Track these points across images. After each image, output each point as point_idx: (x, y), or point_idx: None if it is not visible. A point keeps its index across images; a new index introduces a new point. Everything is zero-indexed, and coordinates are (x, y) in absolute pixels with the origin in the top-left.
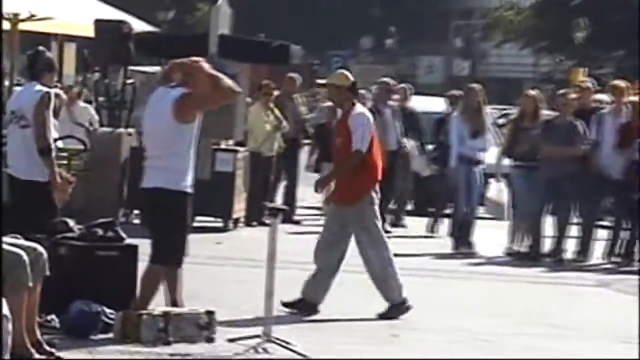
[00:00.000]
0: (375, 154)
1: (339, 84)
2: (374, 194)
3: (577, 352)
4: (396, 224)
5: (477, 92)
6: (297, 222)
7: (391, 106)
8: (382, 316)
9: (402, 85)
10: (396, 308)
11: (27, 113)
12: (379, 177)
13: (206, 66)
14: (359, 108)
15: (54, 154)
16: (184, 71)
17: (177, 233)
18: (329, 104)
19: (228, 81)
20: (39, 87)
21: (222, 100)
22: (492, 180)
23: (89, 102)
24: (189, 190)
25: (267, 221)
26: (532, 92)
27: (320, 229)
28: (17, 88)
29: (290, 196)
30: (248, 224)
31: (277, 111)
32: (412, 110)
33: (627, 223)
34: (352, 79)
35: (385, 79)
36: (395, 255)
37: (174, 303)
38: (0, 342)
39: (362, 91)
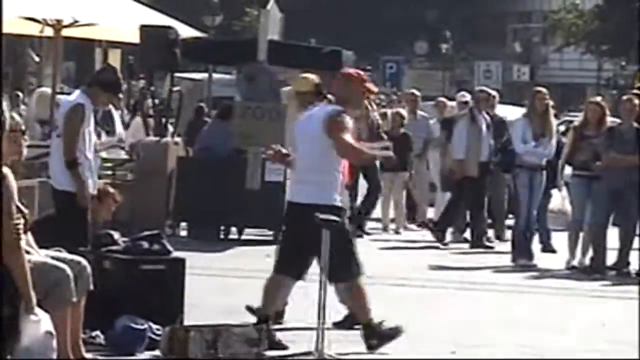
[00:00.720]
0: None
1: (302, 89)
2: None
3: None
4: (499, 236)
5: (544, 95)
6: (367, 233)
7: (485, 117)
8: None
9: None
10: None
11: (60, 122)
12: (346, 180)
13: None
14: None
15: (81, 168)
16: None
17: (344, 248)
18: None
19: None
20: (74, 96)
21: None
22: (556, 189)
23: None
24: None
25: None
26: (597, 99)
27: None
28: (61, 97)
29: (367, 206)
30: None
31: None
32: (501, 118)
33: None
34: (315, 82)
35: (483, 88)
36: (458, 269)
37: (365, 324)
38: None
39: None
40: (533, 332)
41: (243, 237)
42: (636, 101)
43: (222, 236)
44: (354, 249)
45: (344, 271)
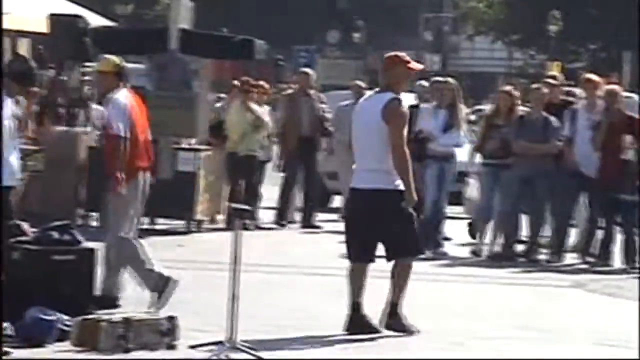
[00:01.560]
0: (136, 139)
1: (104, 69)
2: (141, 180)
3: (554, 354)
4: None
5: (453, 86)
6: (317, 227)
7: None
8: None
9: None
10: (106, 300)
11: None
12: (145, 163)
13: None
14: (119, 93)
15: None
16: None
17: (410, 226)
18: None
19: None
20: None
21: None
22: (468, 178)
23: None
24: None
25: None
26: (508, 88)
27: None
28: None
29: (306, 200)
30: (229, 227)
31: (257, 110)
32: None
33: (602, 222)
34: (116, 62)
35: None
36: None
37: (395, 304)
38: None
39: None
40: (442, 319)
41: (155, 226)
42: (545, 90)
43: None
44: (414, 229)
45: (406, 248)
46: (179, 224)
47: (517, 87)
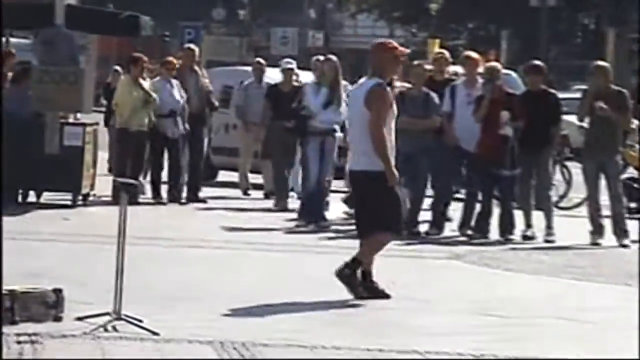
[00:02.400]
0: None
1: None
2: None
3: (433, 325)
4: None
5: (334, 64)
6: (204, 201)
7: None
8: None
9: None
10: None
11: None
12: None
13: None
14: None
15: None
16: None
17: (393, 204)
18: None
19: None
20: None
21: None
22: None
23: None
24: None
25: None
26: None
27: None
28: None
29: (194, 175)
30: (115, 201)
31: (145, 85)
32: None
33: (483, 195)
34: None
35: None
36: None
37: (367, 273)
38: None
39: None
40: (328, 288)
41: (42, 200)
42: (427, 66)
43: (20, 200)
44: (397, 208)
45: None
46: (65, 197)
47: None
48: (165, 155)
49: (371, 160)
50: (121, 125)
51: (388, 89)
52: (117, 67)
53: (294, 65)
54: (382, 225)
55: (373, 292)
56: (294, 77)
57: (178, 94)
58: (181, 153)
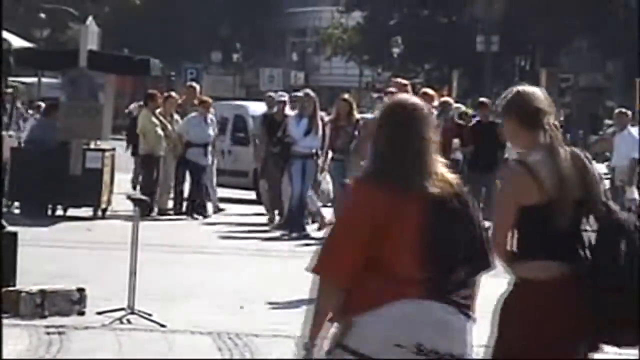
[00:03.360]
0: None
1: None
2: None
3: None
4: (271, 219)
5: (312, 99)
6: (221, 209)
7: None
8: None
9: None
10: None
11: None
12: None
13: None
14: None
15: None
16: None
17: None
18: None
19: None
20: None
21: None
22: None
23: None
24: None
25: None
26: (345, 96)
27: None
28: None
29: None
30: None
31: (161, 117)
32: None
33: None
34: None
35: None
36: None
37: None
38: None
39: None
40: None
41: (67, 214)
42: (385, 99)
43: (49, 213)
44: None
45: None
46: (87, 211)
47: (352, 96)
48: (188, 178)
49: None
50: (146, 151)
51: None
52: (141, 103)
53: (286, 97)
54: None
55: None
56: (286, 108)
57: (211, 129)
58: (204, 177)
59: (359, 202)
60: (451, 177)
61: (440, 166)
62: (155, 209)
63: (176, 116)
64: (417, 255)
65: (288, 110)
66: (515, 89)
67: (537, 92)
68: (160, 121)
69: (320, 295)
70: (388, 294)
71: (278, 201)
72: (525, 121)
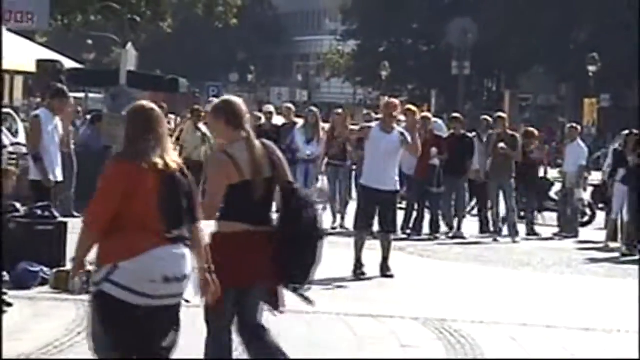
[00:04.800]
0: None
1: None
2: None
3: (379, 296)
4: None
5: (315, 113)
6: None
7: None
8: None
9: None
10: None
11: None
12: None
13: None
14: None
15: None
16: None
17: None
18: None
19: None
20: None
21: None
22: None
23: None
24: None
25: None
26: (339, 110)
27: None
28: None
29: None
30: None
31: (203, 129)
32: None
33: (418, 205)
34: None
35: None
36: None
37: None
38: None
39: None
40: None
41: None
42: (373, 115)
43: None
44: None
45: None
46: None
47: (346, 111)
48: None
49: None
50: (186, 157)
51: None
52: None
53: (272, 108)
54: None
55: None
56: (273, 117)
57: None
58: None
59: (114, 174)
60: (177, 159)
61: (171, 151)
62: None
63: (204, 128)
64: (157, 212)
65: (295, 119)
66: (223, 98)
67: (239, 101)
68: (202, 132)
69: (83, 236)
70: (142, 244)
71: None
72: (231, 122)
